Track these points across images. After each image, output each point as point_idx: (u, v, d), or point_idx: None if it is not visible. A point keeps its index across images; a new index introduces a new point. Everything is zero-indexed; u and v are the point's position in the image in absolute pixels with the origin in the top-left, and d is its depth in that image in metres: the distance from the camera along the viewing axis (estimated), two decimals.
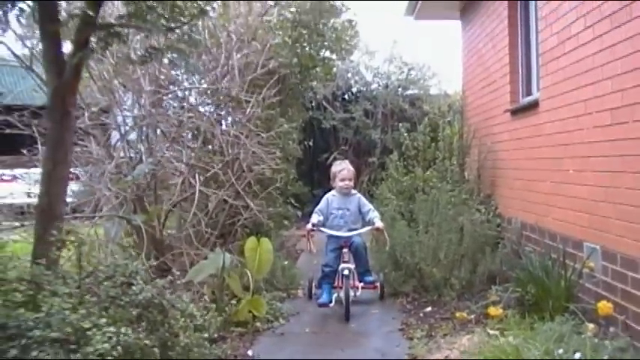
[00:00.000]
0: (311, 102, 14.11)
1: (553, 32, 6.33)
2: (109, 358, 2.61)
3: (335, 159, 11.16)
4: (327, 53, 11.39)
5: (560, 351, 3.71)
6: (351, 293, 6.41)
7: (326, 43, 10.53)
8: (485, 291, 6.27)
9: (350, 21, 11.20)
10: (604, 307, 4.47)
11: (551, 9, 6.38)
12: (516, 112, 7.78)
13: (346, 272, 6.47)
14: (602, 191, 5.15)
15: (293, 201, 10.12)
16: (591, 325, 4.35)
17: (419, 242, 7.07)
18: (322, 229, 6.85)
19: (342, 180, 7.01)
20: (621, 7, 4.77)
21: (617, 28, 4.83)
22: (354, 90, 15.82)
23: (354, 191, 7.12)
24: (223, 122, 8.45)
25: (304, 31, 9.96)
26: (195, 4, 4.24)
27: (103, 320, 2.84)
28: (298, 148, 10.40)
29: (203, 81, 8.21)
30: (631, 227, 4.64)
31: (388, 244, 6.85)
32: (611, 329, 4.46)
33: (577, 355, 3.60)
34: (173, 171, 7.14)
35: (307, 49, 10.08)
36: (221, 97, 7.87)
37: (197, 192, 6.71)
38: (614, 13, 4.90)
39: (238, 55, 7.97)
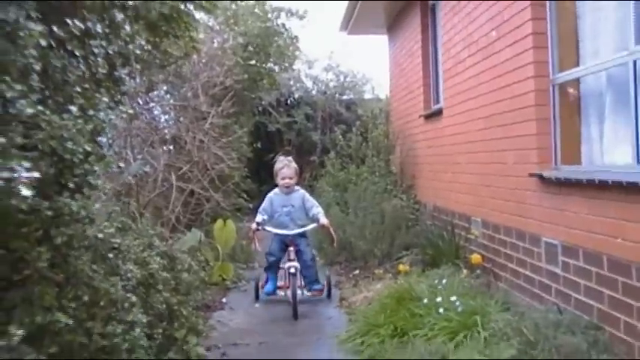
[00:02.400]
0: (258, 108, 15.02)
1: (450, 56, 8.05)
2: (161, 272, 4.28)
3: None
4: (272, 65, 12.74)
5: (436, 282, 5.49)
6: (298, 292, 6.48)
7: (271, 59, 11.96)
8: (401, 257, 7.77)
9: (292, 38, 12.65)
10: (474, 258, 6.29)
11: (448, 38, 8.10)
12: (428, 117, 9.33)
13: (292, 270, 6.47)
14: (481, 178, 6.86)
15: (245, 196, 11.16)
16: (465, 271, 6.13)
17: (349, 222, 8.71)
18: (267, 227, 6.78)
19: (283, 178, 6.90)
20: (488, 44, 6.55)
21: (485, 60, 6.62)
22: (296, 96, 16.85)
23: (297, 187, 7.05)
24: (191, 130, 9.62)
25: (252, 49, 11.39)
26: (180, 49, 5.84)
27: (154, 252, 4.48)
28: (248, 149, 11.64)
29: (170, 96, 9.61)
30: (495, 203, 6.43)
31: (336, 241, 7.20)
32: (478, 272, 6.24)
33: (444, 281, 5.39)
34: (152, 169, 8.57)
35: (256, 65, 11.52)
36: (189, 110, 9.33)
37: (174, 186, 8.22)
38: (484, 47, 6.66)
39: (202, 76, 9.43)
